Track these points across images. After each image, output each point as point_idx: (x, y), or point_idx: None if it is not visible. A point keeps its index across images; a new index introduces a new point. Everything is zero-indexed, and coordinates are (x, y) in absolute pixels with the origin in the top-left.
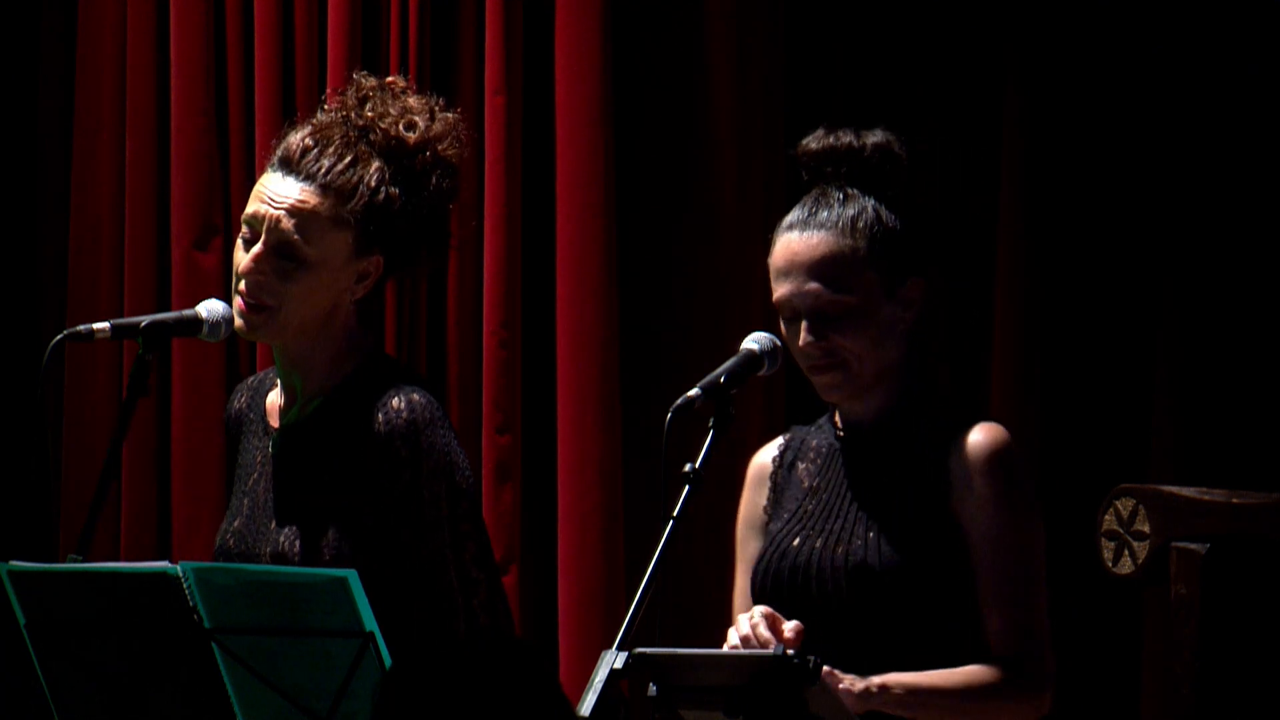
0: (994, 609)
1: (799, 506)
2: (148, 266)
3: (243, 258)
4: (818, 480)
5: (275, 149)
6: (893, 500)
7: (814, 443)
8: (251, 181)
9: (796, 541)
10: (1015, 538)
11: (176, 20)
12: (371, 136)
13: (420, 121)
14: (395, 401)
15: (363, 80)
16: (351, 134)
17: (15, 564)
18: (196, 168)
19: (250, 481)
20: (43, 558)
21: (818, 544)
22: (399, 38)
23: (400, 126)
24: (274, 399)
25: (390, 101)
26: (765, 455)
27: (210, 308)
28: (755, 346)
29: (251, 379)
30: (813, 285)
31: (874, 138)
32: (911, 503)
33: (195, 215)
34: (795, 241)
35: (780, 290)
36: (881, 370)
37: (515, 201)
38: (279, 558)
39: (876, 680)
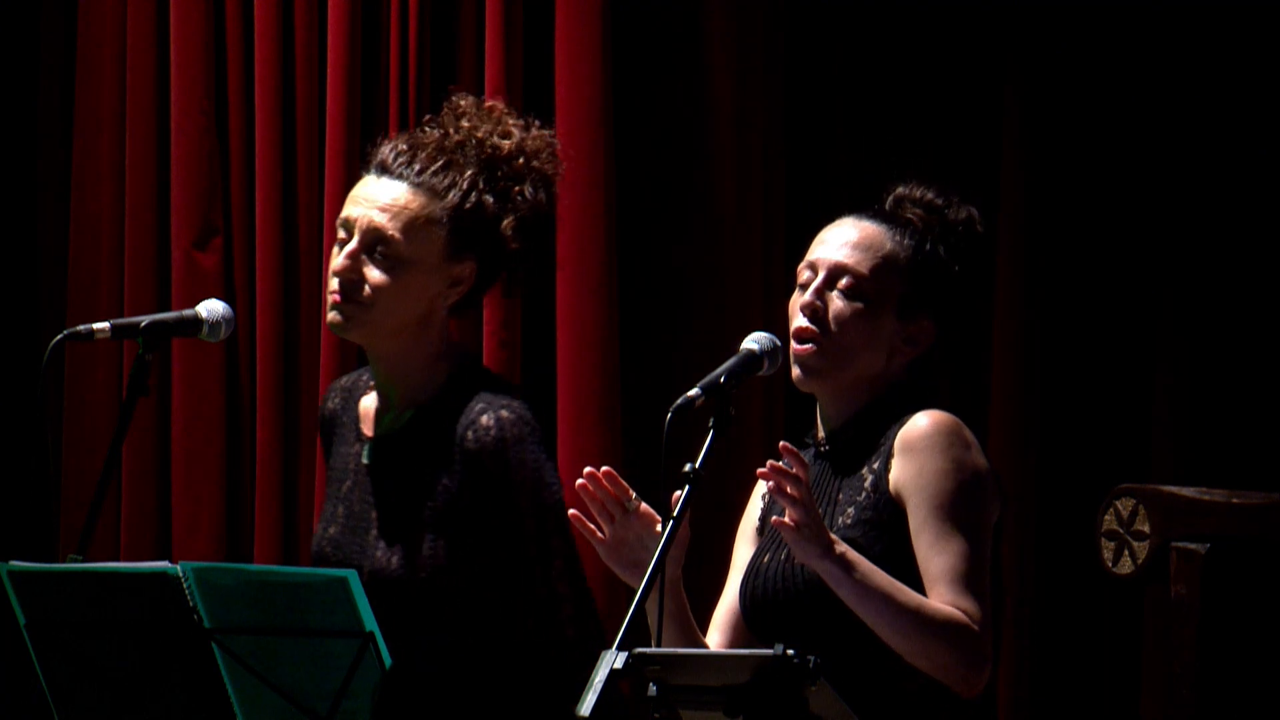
0: (932, 576)
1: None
2: (148, 266)
3: (336, 258)
4: None
5: (371, 158)
6: (850, 503)
7: (806, 456)
8: (251, 181)
9: (767, 558)
10: (950, 507)
11: (176, 20)
12: (466, 149)
13: (515, 132)
14: (485, 419)
15: (460, 100)
16: (448, 144)
17: (15, 564)
18: (196, 168)
19: (345, 488)
20: (43, 558)
21: (782, 555)
22: (399, 38)
23: (495, 136)
24: (368, 404)
25: (486, 117)
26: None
27: (210, 308)
28: (755, 346)
29: (345, 379)
30: (845, 254)
31: (962, 212)
32: (866, 502)
33: (195, 215)
34: (850, 222)
35: (812, 253)
36: (860, 377)
37: None
38: (378, 574)
39: (852, 553)
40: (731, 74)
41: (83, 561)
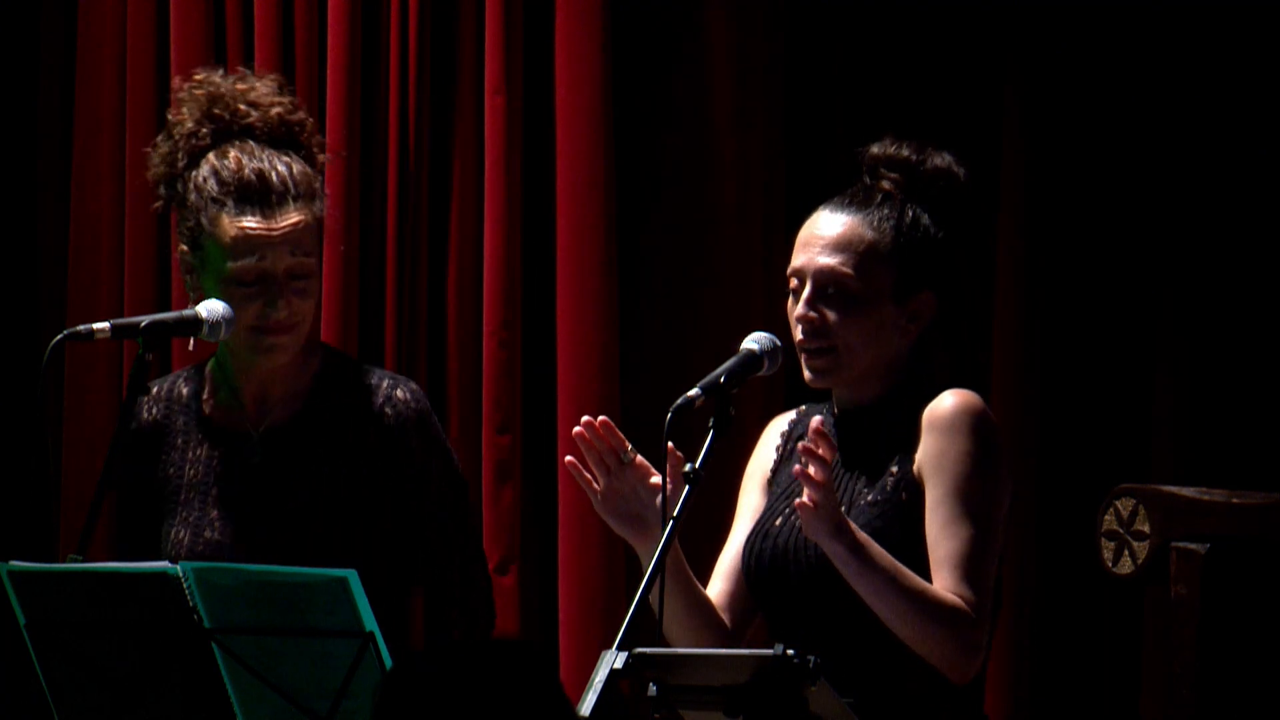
0: (939, 559)
1: (787, 487)
2: (148, 266)
3: (258, 303)
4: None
5: (215, 186)
6: (870, 477)
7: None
8: None
9: (778, 521)
10: (967, 492)
11: (176, 20)
12: (258, 131)
13: (278, 99)
14: (400, 393)
15: (195, 88)
16: (252, 140)
17: (15, 564)
18: None
19: (215, 492)
20: (43, 558)
21: (794, 520)
22: (399, 38)
23: (271, 111)
24: (213, 406)
25: (236, 96)
26: (781, 420)
27: (210, 308)
28: (755, 346)
29: (157, 388)
30: (827, 258)
31: (938, 159)
32: (886, 476)
33: None
34: (827, 217)
35: (797, 259)
36: (873, 367)
37: (515, 201)
38: (300, 560)
39: (861, 535)
40: (731, 74)
41: (83, 561)
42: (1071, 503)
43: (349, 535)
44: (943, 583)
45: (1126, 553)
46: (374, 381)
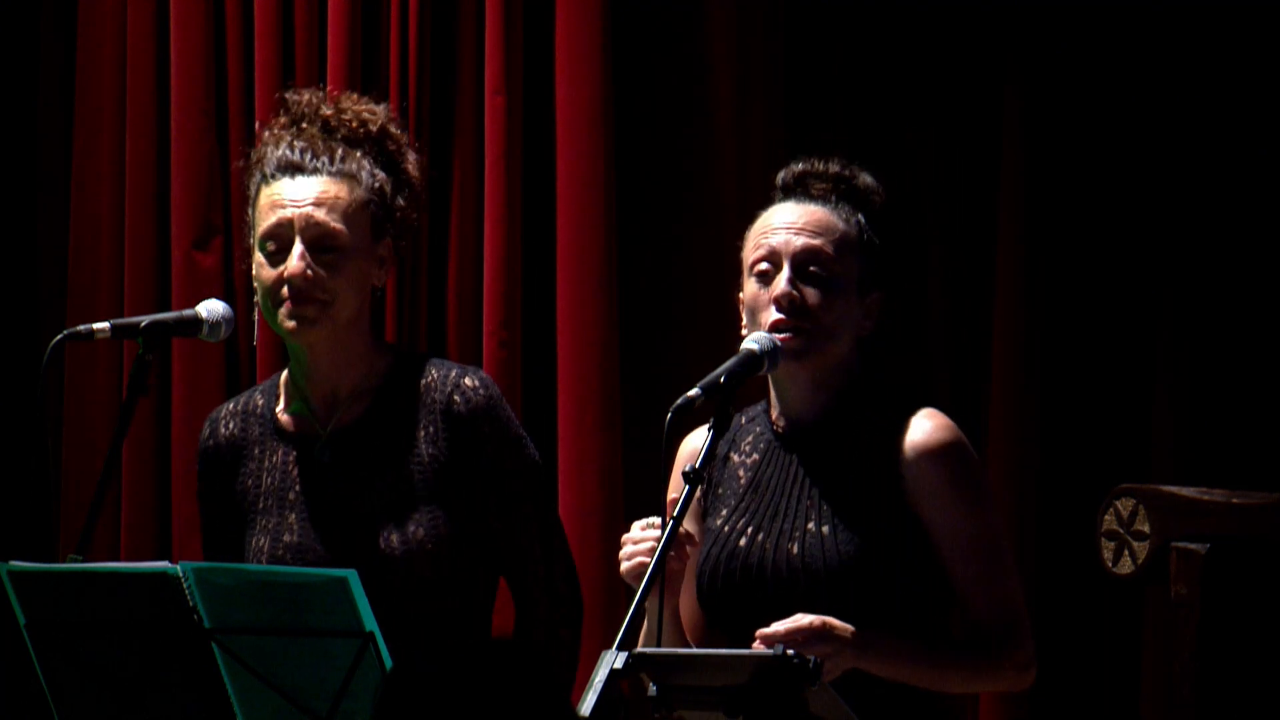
0: (972, 593)
1: (739, 503)
2: (148, 266)
3: (280, 268)
4: (757, 475)
5: (264, 166)
6: (843, 495)
7: (749, 436)
8: None
9: (743, 541)
10: (979, 523)
11: (176, 20)
12: (341, 133)
13: (377, 109)
14: (469, 380)
15: (295, 96)
16: (324, 134)
17: (15, 564)
18: (196, 168)
19: (291, 496)
20: (43, 558)
21: (767, 544)
22: (399, 38)
23: (363, 116)
24: (285, 414)
25: (333, 101)
26: (696, 440)
27: (210, 308)
28: (755, 346)
29: (231, 405)
30: (807, 238)
31: (866, 178)
32: (863, 496)
33: (195, 215)
34: (794, 208)
35: (769, 241)
36: (835, 360)
37: (515, 201)
38: (380, 558)
39: (878, 641)
40: (731, 74)
41: (83, 561)
42: (1071, 503)
43: (425, 530)
44: (977, 613)
45: (1126, 553)
46: (441, 372)
